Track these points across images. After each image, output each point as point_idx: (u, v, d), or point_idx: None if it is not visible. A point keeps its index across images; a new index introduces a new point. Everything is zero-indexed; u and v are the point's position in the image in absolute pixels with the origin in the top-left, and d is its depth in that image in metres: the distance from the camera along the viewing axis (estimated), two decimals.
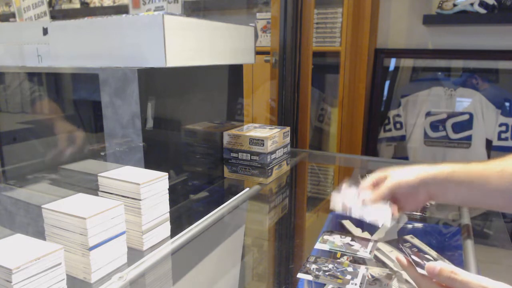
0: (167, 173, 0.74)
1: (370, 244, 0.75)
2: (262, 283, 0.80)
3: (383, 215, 0.71)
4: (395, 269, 0.70)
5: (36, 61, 0.92)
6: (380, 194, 0.72)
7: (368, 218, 0.72)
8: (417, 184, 0.69)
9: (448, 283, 0.48)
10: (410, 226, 0.88)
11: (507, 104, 1.68)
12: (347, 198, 0.76)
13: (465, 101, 1.74)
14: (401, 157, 1.90)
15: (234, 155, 1.09)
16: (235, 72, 1.16)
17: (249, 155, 1.06)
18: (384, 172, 0.75)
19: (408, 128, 1.88)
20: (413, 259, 0.56)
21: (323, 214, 1.07)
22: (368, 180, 0.76)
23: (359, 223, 0.87)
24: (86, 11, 2.64)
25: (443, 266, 0.49)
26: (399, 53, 1.89)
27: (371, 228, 0.84)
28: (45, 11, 1.12)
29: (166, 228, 0.76)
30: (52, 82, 1.00)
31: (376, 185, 0.74)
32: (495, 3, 1.58)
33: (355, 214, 0.74)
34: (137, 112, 0.80)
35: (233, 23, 1.03)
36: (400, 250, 0.76)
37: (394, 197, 0.73)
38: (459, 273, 0.47)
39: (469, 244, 0.76)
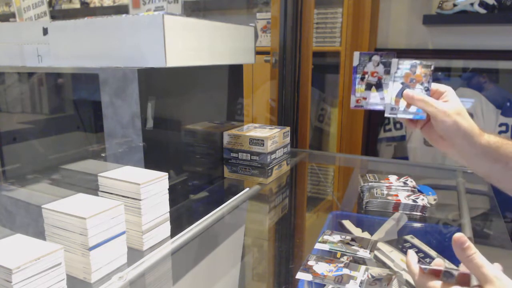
0: (167, 173, 0.74)
1: (370, 244, 0.75)
2: (262, 283, 0.80)
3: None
4: (395, 269, 0.70)
5: (36, 61, 0.92)
6: (432, 103, 0.64)
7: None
8: (464, 135, 0.63)
9: (464, 260, 0.48)
10: (410, 226, 0.88)
11: (507, 104, 1.68)
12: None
13: (465, 101, 1.74)
14: (401, 157, 1.90)
15: (234, 155, 1.09)
16: (235, 72, 1.16)
17: (249, 155, 1.06)
18: (444, 87, 0.67)
19: (408, 128, 1.87)
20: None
21: (323, 214, 1.07)
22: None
23: (359, 223, 0.87)
24: (86, 11, 2.64)
25: (471, 244, 0.49)
26: (399, 53, 1.89)
27: (371, 228, 0.84)
28: (45, 11, 1.12)
29: (166, 228, 0.76)
30: (52, 82, 1.00)
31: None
32: (495, 3, 1.58)
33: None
34: (137, 112, 0.80)
35: (233, 23, 1.03)
36: (401, 250, 0.76)
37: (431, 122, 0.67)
38: (478, 256, 0.48)
39: None
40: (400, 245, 0.78)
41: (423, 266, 0.51)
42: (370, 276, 0.65)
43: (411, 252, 0.54)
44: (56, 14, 2.72)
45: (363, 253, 0.72)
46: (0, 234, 0.60)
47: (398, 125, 1.89)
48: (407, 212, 0.92)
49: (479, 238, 0.85)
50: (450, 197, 1.06)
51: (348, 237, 0.78)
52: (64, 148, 0.99)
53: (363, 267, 0.67)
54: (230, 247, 0.87)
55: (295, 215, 1.07)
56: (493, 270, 0.46)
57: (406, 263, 0.55)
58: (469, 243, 0.48)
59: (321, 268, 0.67)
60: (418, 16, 1.79)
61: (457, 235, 0.49)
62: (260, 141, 1.04)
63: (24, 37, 0.93)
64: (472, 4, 1.60)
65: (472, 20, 1.66)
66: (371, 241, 0.76)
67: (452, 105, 0.64)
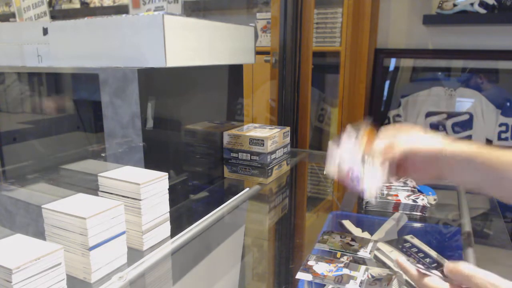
0: (167, 173, 0.74)
1: (370, 244, 0.75)
2: (262, 283, 0.79)
3: (375, 185, 0.65)
4: (395, 269, 0.70)
5: (36, 61, 0.92)
6: (391, 157, 0.64)
7: (362, 183, 0.66)
8: (434, 156, 0.62)
9: (456, 278, 0.48)
10: (410, 226, 0.88)
11: (507, 104, 1.68)
12: (347, 155, 0.68)
13: (465, 101, 1.74)
14: None
15: (234, 155, 1.09)
16: (235, 72, 1.16)
17: (249, 155, 1.06)
18: (390, 139, 0.66)
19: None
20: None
21: (323, 214, 1.07)
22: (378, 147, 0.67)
23: (359, 223, 0.87)
24: (86, 11, 2.64)
25: (448, 265, 0.48)
26: (399, 53, 1.89)
27: (371, 228, 0.84)
28: (45, 11, 1.12)
29: (166, 228, 0.76)
30: (52, 82, 1.00)
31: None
32: (495, 3, 1.58)
33: (354, 173, 0.67)
34: (137, 112, 0.80)
35: (233, 23, 1.03)
36: (401, 250, 0.76)
37: (402, 164, 0.66)
38: (463, 268, 0.47)
39: (469, 244, 0.76)
40: (400, 245, 0.78)
41: (427, 272, 0.51)
42: (370, 276, 0.65)
43: (401, 258, 0.54)
44: (56, 14, 2.72)
45: (363, 253, 0.72)
46: (0, 234, 0.60)
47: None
48: (407, 212, 0.92)
49: (479, 238, 0.85)
50: (450, 197, 1.06)
51: (348, 237, 0.78)
52: (64, 148, 0.99)
53: (363, 267, 0.67)
54: (230, 247, 0.87)
55: (295, 215, 1.07)
56: (486, 277, 0.45)
57: (402, 270, 0.54)
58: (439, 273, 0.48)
59: (321, 268, 0.67)
60: (418, 16, 1.79)
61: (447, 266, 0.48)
62: (260, 141, 1.04)
63: (24, 37, 0.93)
64: (472, 4, 1.60)
65: (472, 20, 1.66)
66: (371, 241, 0.76)
67: (401, 140, 0.64)
